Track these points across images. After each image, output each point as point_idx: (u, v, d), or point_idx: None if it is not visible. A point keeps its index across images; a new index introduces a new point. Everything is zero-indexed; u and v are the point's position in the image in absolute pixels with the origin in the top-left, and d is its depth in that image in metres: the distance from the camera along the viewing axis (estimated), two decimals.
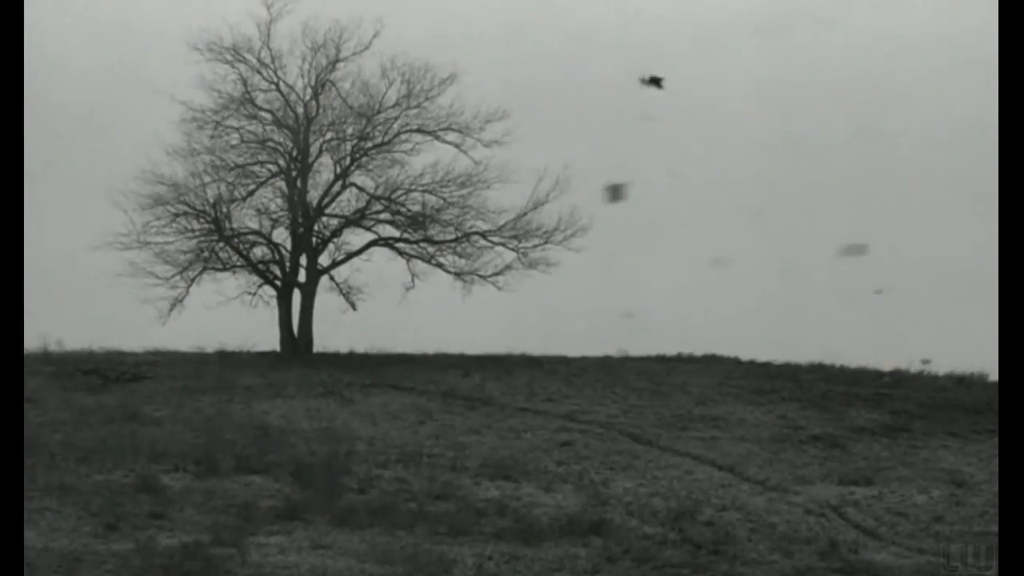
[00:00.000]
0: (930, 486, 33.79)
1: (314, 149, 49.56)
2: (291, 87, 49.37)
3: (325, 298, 49.16)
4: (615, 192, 34.85)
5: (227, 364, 45.58)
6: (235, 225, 49.21)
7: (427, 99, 49.11)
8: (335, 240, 49.59)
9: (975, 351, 42.89)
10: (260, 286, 49.34)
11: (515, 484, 31.91)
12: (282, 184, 49.52)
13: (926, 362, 46.55)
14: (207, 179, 48.57)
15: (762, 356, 48.37)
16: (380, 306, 49.18)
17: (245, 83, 49.03)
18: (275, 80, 49.23)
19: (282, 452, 33.36)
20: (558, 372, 45.41)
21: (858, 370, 47.31)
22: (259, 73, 49.07)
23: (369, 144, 49.57)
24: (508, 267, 48.96)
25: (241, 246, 49.19)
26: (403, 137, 49.53)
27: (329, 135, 49.75)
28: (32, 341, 43.66)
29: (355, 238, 49.70)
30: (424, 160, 49.35)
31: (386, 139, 49.54)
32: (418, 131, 49.50)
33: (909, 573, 26.76)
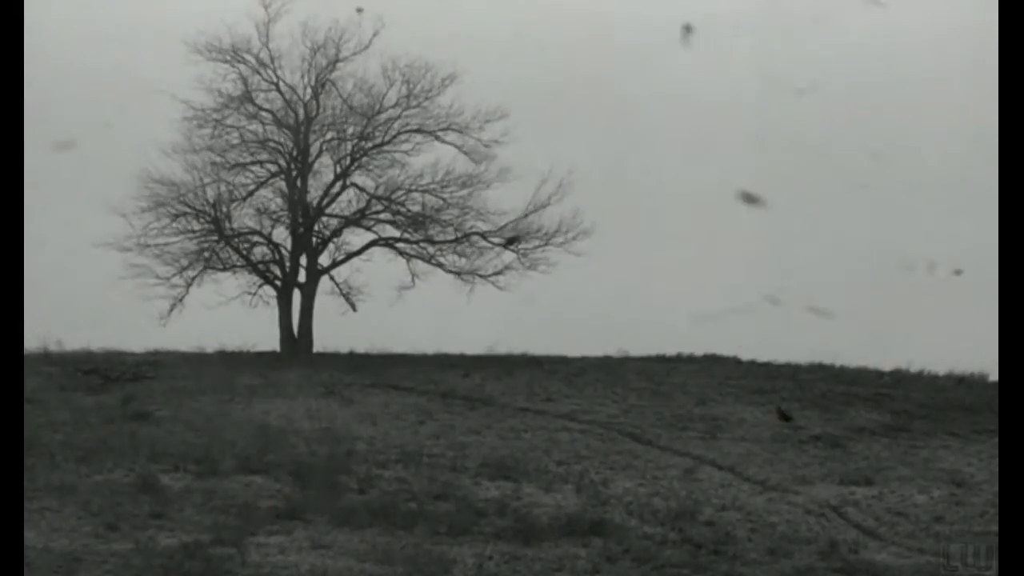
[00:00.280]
0: (930, 486, 33.79)
1: (314, 149, 49.57)
2: (291, 87, 49.42)
3: (325, 298, 49.24)
4: (750, 198, 35.38)
5: (227, 364, 45.56)
6: (235, 225, 49.25)
7: (427, 99, 49.15)
8: (335, 240, 49.62)
9: (975, 351, 42.91)
10: (260, 286, 49.35)
11: (515, 484, 31.91)
12: (282, 184, 49.52)
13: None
14: (207, 179, 48.63)
15: (762, 356, 48.40)
16: (380, 306, 49.20)
17: (245, 83, 49.04)
18: (275, 80, 49.27)
19: (282, 452, 33.35)
20: (558, 372, 45.40)
21: (858, 370, 47.30)
22: (259, 73, 49.10)
23: (369, 144, 49.57)
24: (508, 267, 49.01)
25: (241, 246, 49.19)
26: (403, 137, 49.56)
27: (329, 135, 49.77)
28: (32, 341, 43.62)
29: (355, 238, 49.78)
30: (424, 160, 49.43)
31: (386, 139, 49.55)
32: (418, 131, 49.51)
33: (909, 573, 26.78)
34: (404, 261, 49.41)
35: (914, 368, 47.43)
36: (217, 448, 33.09)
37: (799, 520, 30.39)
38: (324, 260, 49.49)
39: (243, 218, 49.42)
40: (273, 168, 49.66)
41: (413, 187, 49.23)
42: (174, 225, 48.30)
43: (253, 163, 49.57)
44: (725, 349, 49.06)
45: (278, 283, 49.31)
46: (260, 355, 47.88)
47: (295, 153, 49.36)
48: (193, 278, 48.47)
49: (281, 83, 49.32)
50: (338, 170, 49.67)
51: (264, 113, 49.45)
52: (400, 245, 49.64)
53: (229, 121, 49.06)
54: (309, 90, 49.43)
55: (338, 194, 49.70)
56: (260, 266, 49.35)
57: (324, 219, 49.58)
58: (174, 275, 48.21)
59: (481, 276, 49.01)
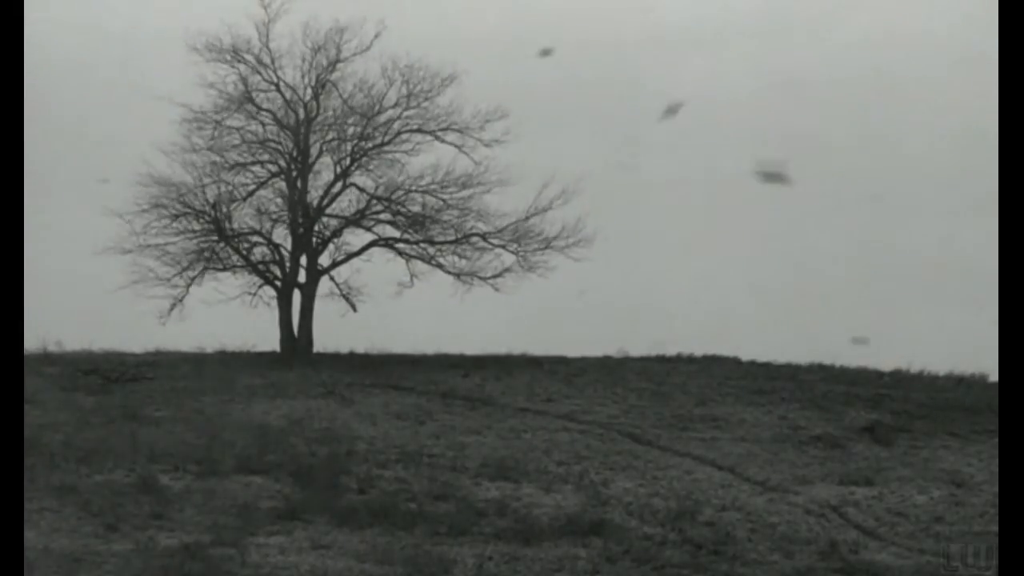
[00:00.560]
0: (930, 486, 33.80)
1: (314, 149, 49.54)
2: (291, 87, 49.40)
3: (325, 299, 49.21)
4: (771, 176, 35.28)
5: (227, 364, 45.56)
6: (235, 225, 49.22)
7: (427, 99, 49.13)
8: (335, 240, 49.60)
9: (975, 351, 42.94)
10: (260, 286, 49.32)
11: (515, 484, 31.91)
12: (282, 184, 49.49)
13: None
14: (207, 179, 48.62)
15: (762, 356, 48.41)
16: (380, 306, 49.22)
17: (245, 83, 49.02)
18: (275, 80, 49.26)
19: (282, 452, 33.34)
20: (558, 372, 45.38)
21: (858, 370, 47.29)
22: (259, 73, 49.10)
23: (369, 144, 49.53)
24: (508, 269, 48.98)
25: (241, 246, 49.17)
26: (403, 137, 49.53)
27: (329, 135, 49.73)
28: (32, 342, 43.63)
29: (355, 238, 49.74)
30: (424, 161, 49.40)
31: (386, 139, 49.52)
32: (418, 131, 49.48)
33: (909, 573, 26.79)
34: (404, 262, 49.45)
35: (914, 368, 47.50)
36: (217, 448, 33.08)
37: (799, 520, 30.40)
38: (324, 260, 49.50)
39: (243, 218, 49.44)
40: (273, 168, 49.64)
41: (413, 187, 49.20)
42: (174, 225, 48.30)
43: (253, 163, 49.56)
44: (725, 349, 49.14)
45: (278, 283, 49.29)
46: (260, 355, 47.88)
47: (295, 153, 49.34)
48: (193, 278, 48.47)
49: (281, 83, 49.32)
50: (338, 170, 49.65)
51: (264, 113, 49.44)
52: (400, 246, 49.60)
53: (229, 121, 49.10)
54: (309, 90, 49.43)
55: (338, 194, 49.69)
56: (260, 266, 49.33)
57: (324, 219, 49.54)
58: (174, 275, 48.26)
59: (481, 278, 49.02)
